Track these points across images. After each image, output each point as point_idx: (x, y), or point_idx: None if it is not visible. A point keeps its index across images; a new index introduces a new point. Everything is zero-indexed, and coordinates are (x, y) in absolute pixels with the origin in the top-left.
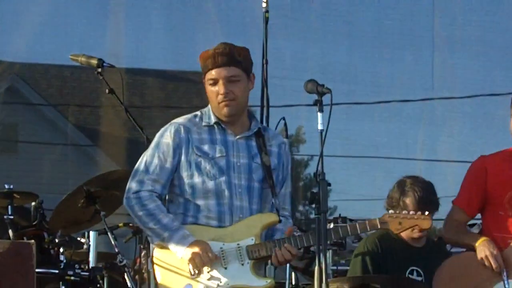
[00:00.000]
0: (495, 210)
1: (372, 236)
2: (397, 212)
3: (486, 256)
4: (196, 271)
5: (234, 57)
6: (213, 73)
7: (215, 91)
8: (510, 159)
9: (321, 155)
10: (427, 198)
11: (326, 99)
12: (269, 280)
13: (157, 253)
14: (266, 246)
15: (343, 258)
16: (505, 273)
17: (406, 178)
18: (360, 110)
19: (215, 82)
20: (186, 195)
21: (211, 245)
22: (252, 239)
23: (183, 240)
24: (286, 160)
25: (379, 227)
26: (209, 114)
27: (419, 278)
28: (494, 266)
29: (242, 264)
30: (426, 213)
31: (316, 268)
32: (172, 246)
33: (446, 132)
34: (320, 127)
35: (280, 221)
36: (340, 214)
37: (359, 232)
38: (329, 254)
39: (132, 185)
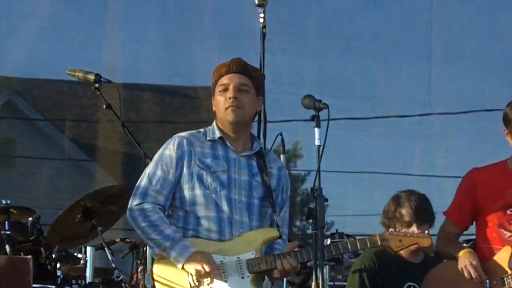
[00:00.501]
0: (483, 220)
1: (369, 252)
2: (397, 230)
3: (465, 266)
4: (197, 283)
5: (248, 70)
6: (225, 79)
7: (223, 98)
8: (500, 171)
9: (318, 170)
10: (423, 209)
11: (323, 114)
12: None
13: (157, 267)
14: (266, 260)
15: (340, 274)
16: (487, 285)
17: (401, 192)
18: (358, 126)
19: (225, 88)
20: (186, 207)
21: None
22: (253, 254)
23: (185, 250)
24: (285, 184)
25: (379, 244)
26: (214, 130)
27: None
28: (473, 276)
29: (242, 278)
30: (426, 232)
31: (313, 283)
32: (173, 255)
33: (444, 147)
34: (317, 142)
35: (280, 236)
36: (337, 230)
37: (359, 248)
38: (326, 269)
39: (135, 197)
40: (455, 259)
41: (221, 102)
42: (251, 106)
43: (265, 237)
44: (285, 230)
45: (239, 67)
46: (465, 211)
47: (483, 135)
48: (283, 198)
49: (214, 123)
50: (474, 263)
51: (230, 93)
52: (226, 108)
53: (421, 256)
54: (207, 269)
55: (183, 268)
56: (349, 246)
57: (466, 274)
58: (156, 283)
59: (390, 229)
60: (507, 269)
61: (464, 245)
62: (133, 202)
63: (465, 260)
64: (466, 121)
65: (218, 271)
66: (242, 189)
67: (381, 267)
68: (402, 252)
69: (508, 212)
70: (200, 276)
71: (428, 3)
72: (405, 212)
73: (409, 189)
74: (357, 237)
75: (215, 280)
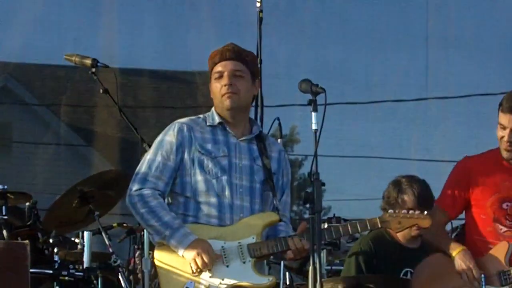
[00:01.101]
0: (478, 213)
1: (366, 237)
2: (397, 211)
3: (464, 270)
4: (198, 269)
5: (242, 55)
6: (219, 66)
7: (219, 85)
8: (495, 161)
9: (315, 155)
10: (425, 195)
11: (320, 99)
12: (271, 278)
13: (158, 253)
14: (268, 245)
15: (337, 258)
16: (482, 279)
17: (402, 178)
18: (354, 110)
19: (220, 75)
20: (187, 193)
21: (212, 243)
22: (253, 238)
23: (184, 238)
24: (285, 167)
25: (379, 226)
26: (213, 116)
27: None
28: (470, 279)
29: (244, 262)
30: (425, 212)
31: (310, 268)
32: (173, 244)
33: (440, 132)
34: (314, 127)
35: (280, 220)
36: (334, 214)
37: (359, 230)
38: (323, 254)
39: (134, 183)
40: (444, 252)
41: (217, 89)
42: (246, 92)
43: (265, 222)
44: (287, 214)
45: (233, 53)
46: (459, 201)
47: (479, 119)
48: (284, 182)
49: (213, 109)
50: (471, 265)
51: (224, 80)
52: (222, 95)
53: (419, 242)
54: (206, 260)
55: (183, 256)
56: (349, 228)
57: (464, 277)
58: (158, 269)
59: (390, 210)
60: (504, 264)
61: (453, 238)
62: (132, 188)
63: (461, 263)
64: (463, 106)
65: (219, 259)
66: (243, 174)
67: (378, 252)
68: (400, 237)
69: (504, 206)
70: (199, 266)
71: None
72: (408, 198)
73: (409, 175)
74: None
75: (217, 266)
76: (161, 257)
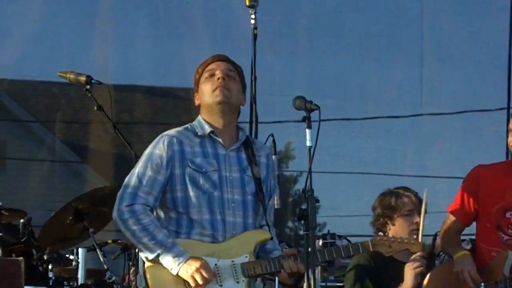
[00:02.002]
0: (484, 221)
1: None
2: (386, 235)
3: (462, 271)
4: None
5: (233, 62)
6: (212, 65)
7: (211, 82)
8: (503, 171)
9: (310, 171)
10: (420, 199)
11: (314, 115)
12: None
13: (150, 272)
14: (261, 264)
15: (332, 274)
16: (482, 287)
17: (395, 188)
18: (349, 126)
19: (212, 74)
20: (179, 208)
21: (205, 260)
22: (246, 257)
23: (179, 257)
24: (273, 171)
25: (371, 249)
26: (202, 124)
27: None
28: (466, 281)
29: (238, 282)
30: (419, 238)
31: (305, 285)
32: (167, 263)
33: (435, 148)
34: (308, 143)
35: (271, 238)
36: (329, 230)
37: (351, 253)
38: (317, 270)
39: (124, 197)
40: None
41: (208, 87)
42: (237, 93)
43: (258, 240)
44: (272, 218)
45: (225, 57)
46: (469, 208)
47: (475, 135)
48: (271, 186)
49: (199, 118)
50: (468, 268)
51: (218, 75)
52: (214, 90)
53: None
54: (206, 276)
55: (177, 274)
56: (342, 251)
57: (460, 278)
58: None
59: (380, 233)
60: (503, 273)
61: (465, 245)
62: (123, 203)
63: (460, 264)
64: (458, 122)
65: (215, 277)
66: (234, 187)
67: (377, 266)
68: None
69: (507, 215)
70: (198, 283)
71: (419, 4)
72: (408, 200)
73: (397, 186)
74: (349, 238)
75: (211, 286)
76: (153, 276)
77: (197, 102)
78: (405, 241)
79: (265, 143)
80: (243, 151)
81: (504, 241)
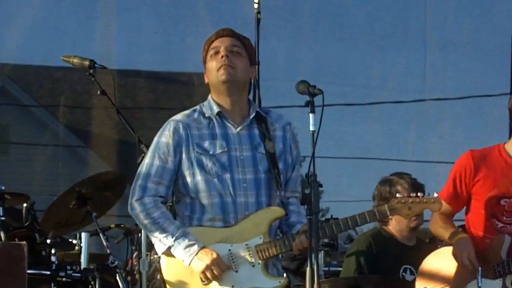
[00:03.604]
0: (477, 208)
1: (365, 235)
2: (406, 196)
3: (461, 255)
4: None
5: (239, 36)
6: (216, 42)
7: (215, 61)
8: (497, 157)
9: (313, 156)
10: (417, 183)
11: (318, 100)
12: (282, 280)
13: (165, 263)
14: (275, 244)
15: (335, 259)
16: (480, 272)
17: (390, 175)
18: (352, 111)
19: (217, 51)
20: (191, 193)
21: (218, 247)
22: (260, 238)
23: (189, 248)
24: (293, 142)
25: (388, 214)
26: (210, 105)
27: (412, 277)
28: (464, 265)
29: (253, 266)
30: (436, 195)
31: (308, 269)
32: (178, 255)
33: (438, 133)
34: (311, 128)
35: (286, 215)
36: (332, 215)
37: (368, 221)
38: (321, 255)
39: (135, 190)
40: (447, 242)
41: (213, 66)
42: (244, 69)
43: (271, 218)
44: (298, 189)
45: (230, 31)
46: (461, 194)
47: (477, 120)
48: (293, 158)
49: (209, 97)
50: (466, 253)
51: (221, 53)
52: (218, 69)
53: (415, 240)
54: (216, 273)
55: (190, 266)
56: (358, 219)
57: (459, 261)
58: (165, 280)
59: (397, 195)
60: (500, 257)
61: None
62: (134, 197)
63: (459, 247)
64: (460, 107)
65: (229, 269)
66: (246, 166)
67: (378, 249)
68: (397, 234)
69: (502, 202)
70: (209, 279)
71: None
72: (401, 187)
73: (395, 172)
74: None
75: (226, 272)
76: (168, 267)
77: (206, 80)
78: (425, 200)
79: None
80: (255, 127)
81: (498, 228)
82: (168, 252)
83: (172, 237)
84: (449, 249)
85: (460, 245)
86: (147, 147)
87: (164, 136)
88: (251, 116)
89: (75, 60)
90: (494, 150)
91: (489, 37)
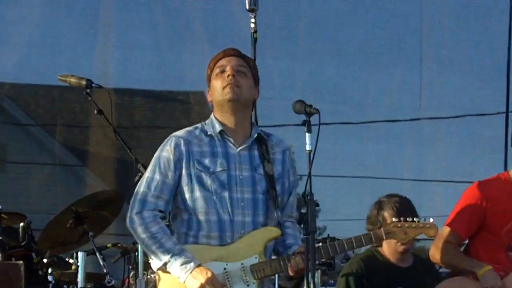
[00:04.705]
0: (491, 239)
1: (357, 257)
2: (402, 220)
3: (492, 287)
4: None
5: (245, 56)
6: (222, 61)
7: (221, 79)
8: (507, 188)
9: (309, 175)
10: (405, 210)
11: (314, 119)
12: None
13: (160, 279)
14: (271, 265)
15: (331, 278)
16: None
17: (382, 197)
18: (348, 130)
19: (222, 70)
20: (189, 209)
21: (214, 266)
22: (256, 257)
23: (185, 265)
24: (291, 167)
25: (384, 238)
26: (213, 123)
27: None
28: None
29: (248, 285)
30: (431, 220)
31: None
32: (173, 271)
33: (433, 152)
34: (308, 147)
35: (282, 235)
36: (328, 234)
37: (364, 244)
38: (317, 274)
39: (134, 204)
40: (465, 272)
41: (219, 84)
42: (248, 89)
43: (267, 238)
44: (294, 214)
45: (237, 51)
46: (472, 225)
47: (473, 140)
48: (290, 182)
49: (212, 116)
50: (499, 284)
51: (228, 72)
52: (224, 87)
53: (410, 260)
54: None
55: (185, 283)
56: (353, 242)
57: None
58: None
59: (393, 219)
60: None
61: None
62: (133, 211)
63: (488, 280)
64: (456, 126)
65: (223, 284)
66: (245, 186)
67: (368, 272)
68: (390, 256)
69: None
70: None
71: (418, 9)
72: (387, 214)
73: (390, 193)
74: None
75: None
76: (163, 284)
77: (209, 99)
78: (421, 225)
79: None
80: (256, 149)
81: None
82: (163, 268)
83: (169, 253)
84: (461, 279)
85: (490, 277)
86: (144, 166)
87: (165, 151)
88: (253, 137)
89: (72, 80)
90: (501, 181)
91: (485, 55)
